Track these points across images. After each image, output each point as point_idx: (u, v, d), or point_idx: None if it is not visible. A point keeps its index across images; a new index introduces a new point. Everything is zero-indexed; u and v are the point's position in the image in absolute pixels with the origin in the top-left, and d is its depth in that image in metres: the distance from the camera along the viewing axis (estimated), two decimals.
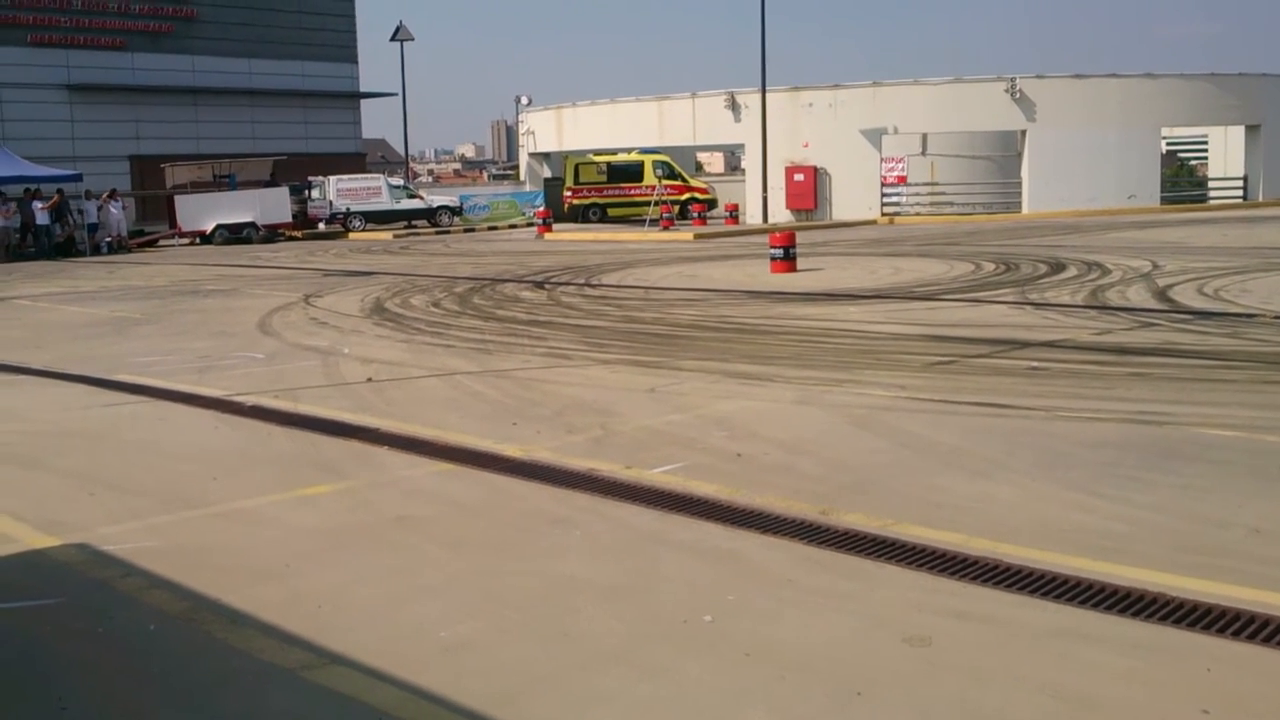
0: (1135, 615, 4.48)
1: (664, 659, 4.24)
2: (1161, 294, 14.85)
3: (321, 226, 38.37)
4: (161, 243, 35.77)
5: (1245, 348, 10.59)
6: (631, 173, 41.25)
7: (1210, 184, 42.95)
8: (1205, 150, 46.11)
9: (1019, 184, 37.93)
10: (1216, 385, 8.91)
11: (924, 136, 41.19)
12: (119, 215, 34.11)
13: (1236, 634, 4.26)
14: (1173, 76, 38.83)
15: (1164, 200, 38.94)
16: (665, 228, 34.08)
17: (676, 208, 37.63)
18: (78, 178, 33.56)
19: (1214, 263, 18.60)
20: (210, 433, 8.48)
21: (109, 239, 33.27)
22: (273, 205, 36.71)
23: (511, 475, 6.87)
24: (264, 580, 5.19)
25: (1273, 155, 39.51)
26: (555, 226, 35.66)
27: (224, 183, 37.44)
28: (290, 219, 37.41)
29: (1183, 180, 43.20)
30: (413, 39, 48.11)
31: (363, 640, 4.45)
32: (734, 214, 37.55)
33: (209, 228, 35.49)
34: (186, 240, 35.58)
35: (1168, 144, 43.46)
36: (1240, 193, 40.37)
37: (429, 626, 4.59)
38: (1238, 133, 41.49)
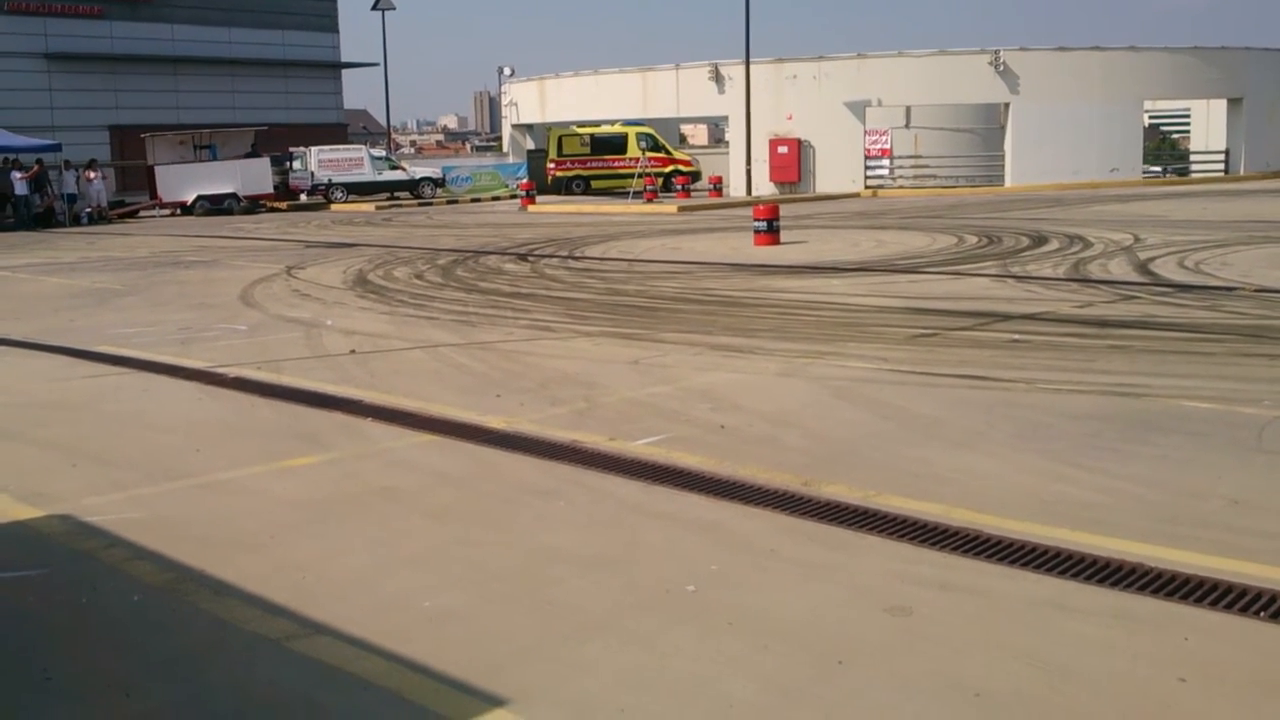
0: (1114, 585, 4.53)
1: (647, 629, 4.26)
2: (1142, 267, 14.92)
3: (303, 198, 38.15)
4: (142, 213, 35.51)
5: (1224, 320, 10.67)
6: (615, 145, 41.09)
7: (1192, 157, 43.05)
8: (1187, 124, 46.24)
9: (1002, 157, 37.95)
10: (1195, 358, 8.97)
11: (908, 109, 41.14)
12: (99, 186, 33.83)
13: (1213, 604, 4.31)
14: (1156, 49, 38.83)
15: (1146, 174, 39.05)
16: (649, 200, 34.00)
17: (660, 180, 37.53)
18: (57, 148, 33.23)
19: (1195, 236, 18.69)
20: (193, 404, 8.45)
21: (89, 209, 33.00)
22: (254, 176, 36.46)
23: (495, 447, 6.88)
24: (248, 551, 5.20)
25: (1254, 129, 39.62)
26: (539, 198, 35.54)
27: (204, 153, 37.13)
28: (272, 190, 37.17)
29: (1165, 154, 43.33)
30: (394, 8, 47.78)
31: (347, 611, 4.46)
32: (718, 186, 37.51)
33: (190, 199, 35.25)
34: (167, 211, 35.34)
35: (1150, 117, 43.52)
36: (1222, 166, 40.50)
37: (413, 597, 4.60)
38: (1220, 106, 41.58)
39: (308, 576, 4.86)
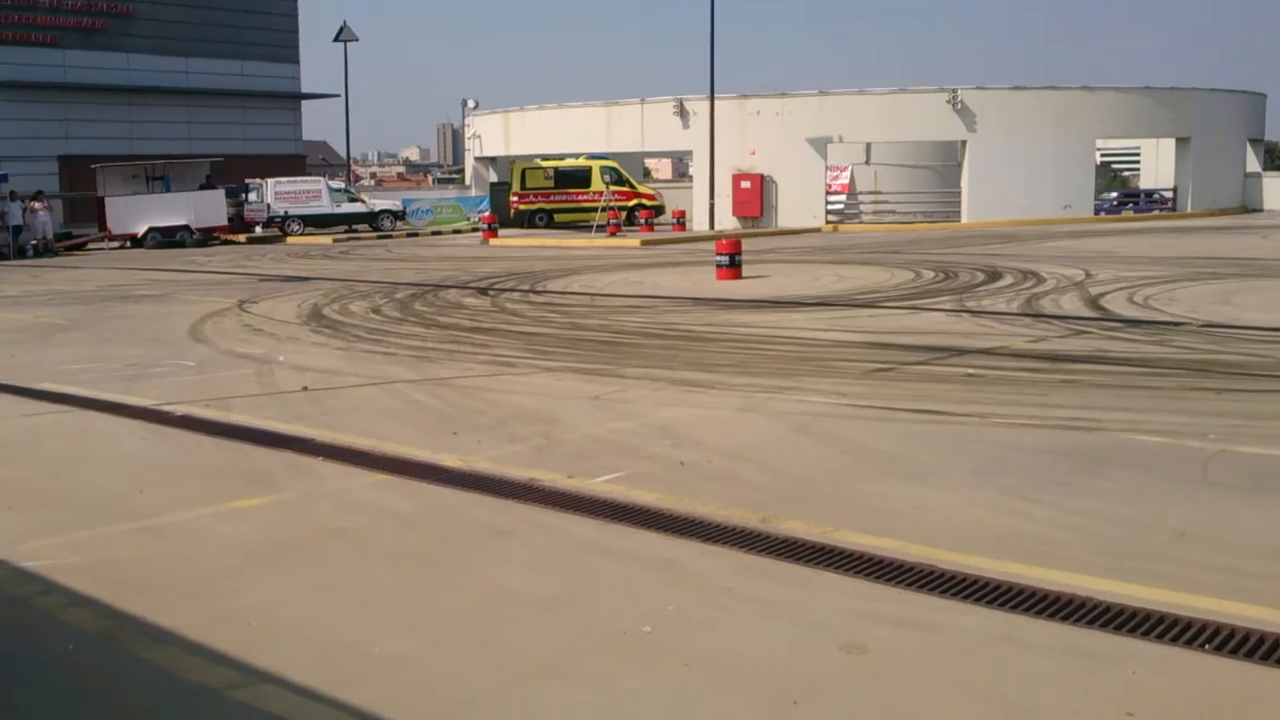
0: (1065, 619, 4.54)
1: (603, 671, 4.21)
2: (1094, 302, 15.13)
3: (259, 230, 37.84)
4: (90, 246, 35.01)
5: (1172, 355, 10.82)
6: (579, 178, 41.21)
7: (1142, 195, 43.85)
8: (1138, 161, 47.11)
9: (959, 193, 38.46)
10: (1145, 392, 9.09)
11: (868, 146, 41.66)
12: (45, 218, 33.31)
13: (1160, 637, 4.34)
14: (1108, 89, 39.64)
15: (1097, 210, 39.69)
16: (612, 234, 34.08)
17: (624, 214, 37.66)
18: (2, 178, 32.74)
19: (1144, 272, 19.00)
20: (138, 443, 8.30)
21: (34, 241, 32.49)
22: (208, 208, 36.13)
23: (451, 486, 6.81)
24: (191, 597, 5.07)
25: (1202, 167, 40.45)
26: (501, 232, 35.51)
27: (157, 185, 36.77)
28: (226, 222, 36.84)
29: (1116, 190, 44.14)
30: (356, 39, 47.77)
31: (294, 658, 4.36)
32: (681, 220, 37.69)
33: (141, 231, 34.84)
34: (117, 243, 34.88)
35: (1102, 155, 44.31)
36: (1170, 203, 41.27)
37: (363, 642, 4.52)
38: (1169, 145, 42.41)
39: (253, 623, 4.75)
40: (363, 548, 5.74)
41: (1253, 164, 44.35)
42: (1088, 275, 18.54)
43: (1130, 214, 40.84)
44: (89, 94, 45.30)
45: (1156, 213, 40.94)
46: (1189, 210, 39.99)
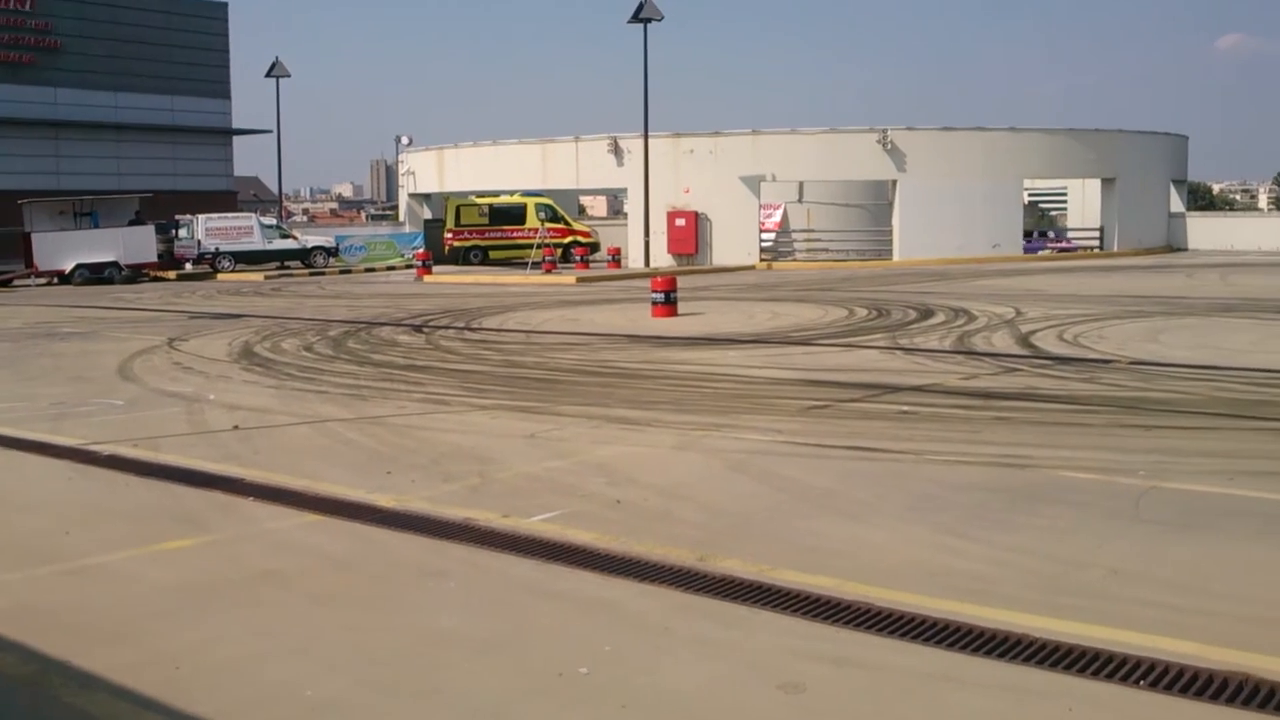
0: (1001, 657, 4.58)
1: (540, 714, 4.16)
2: (1024, 340, 15.42)
3: (189, 267, 37.28)
4: (16, 283, 34.20)
5: (1101, 392, 11.05)
6: (514, 215, 41.23)
7: (1069, 234, 44.94)
8: (1065, 201, 48.31)
9: (890, 232, 39.10)
10: (1076, 429, 9.26)
11: (800, 184, 42.23)
12: None
13: (1096, 674, 4.39)
14: (1033, 130, 40.68)
15: (1026, 249, 40.57)
16: (547, 271, 34.10)
17: (559, 250, 37.71)
18: None
19: (1073, 310, 19.43)
20: (63, 484, 8.07)
21: None
22: (137, 244, 35.54)
23: (384, 526, 6.71)
24: (119, 641, 4.93)
25: (1127, 206, 41.60)
26: (435, 269, 35.34)
27: (85, 221, 36.07)
28: (155, 259, 36.24)
29: (1045, 229, 45.19)
30: (289, 75, 47.45)
31: (223, 703, 4.25)
32: (616, 258, 37.82)
33: (68, 267, 34.16)
34: (44, 280, 34.15)
35: (1029, 195, 45.35)
36: (1097, 242, 42.35)
37: (294, 686, 4.42)
38: (1094, 185, 43.57)
39: (182, 667, 4.62)
40: (294, 589, 5.63)
41: (1176, 204, 45.72)
42: (1018, 313, 18.91)
43: (1055, 253, 41.76)
44: (15, 128, 44.38)
45: (1080, 251, 41.95)
46: (1115, 249, 41.04)
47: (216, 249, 37.42)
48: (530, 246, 36.37)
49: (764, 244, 39.32)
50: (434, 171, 45.81)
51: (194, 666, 4.63)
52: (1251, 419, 9.44)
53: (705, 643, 4.83)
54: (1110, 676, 4.36)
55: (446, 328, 18.72)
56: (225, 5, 51.45)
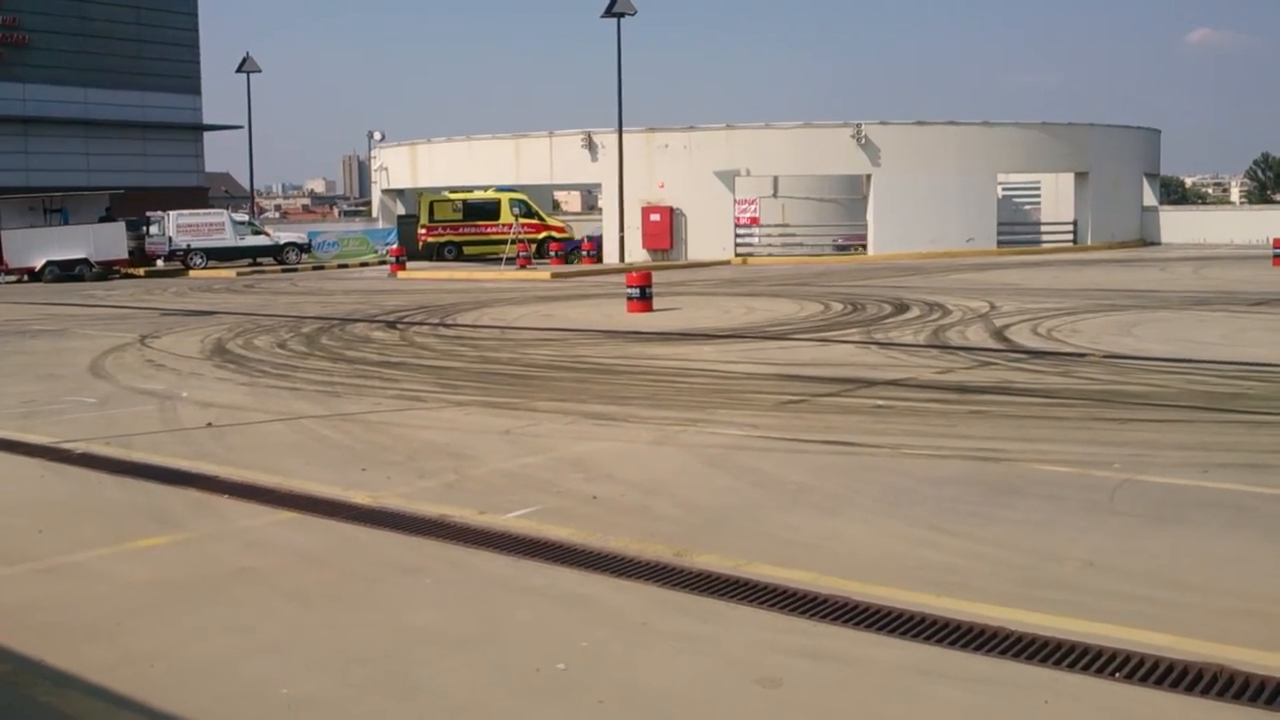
0: (977, 650, 4.60)
1: (516, 710, 4.14)
2: (999, 334, 15.50)
3: (160, 264, 36.98)
4: None
5: (1076, 386, 11.13)
6: (488, 210, 41.08)
7: (1043, 228, 45.20)
8: (1038, 195, 48.56)
9: (865, 226, 39.21)
10: (1050, 422, 9.31)
11: (775, 179, 42.27)
12: None
13: (1072, 666, 4.41)
14: (1007, 125, 40.88)
15: (1000, 243, 40.79)
16: (522, 266, 34.01)
17: (534, 246, 37.62)
18: None
19: (1047, 304, 19.55)
20: (35, 483, 7.99)
21: None
22: (108, 241, 35.25)
23: (359, 523, 6.67)
24: (93, 639, 4.89)
25: (1100, 201, 41.88)
26: (409, 265, 35.20)
27: (55, 217, 35.74)
28: (126, 255, 35.94)
29: (1018, 224, 45.39)
30: (260, 70, 47.10)
31: (199, 701, 4.22)
32: (591, 253, 37.75)
33: (38, 264, 33.84)
34: (13, 278, 33.82)
35: (1003, 189, 45.54)
36: (1070, 237, 42.62)
37: (270, 684, 4.38)
38: (1068, 179, 43.89)
39: (157, 665, 4.59)
40: (269, 587, 5.59)
41: (1149, 198, 46.06)
42: (992, 307, 19.01)
43: (1030, 247, 41.99)
44: None
45: (1054, 244, 42.22)
46: (1089, 243, 41.31)
47: (188, 245, 37.14)
48: (505, 242, 36.27)
49: (739, 239, 39.37)
50: (407, 167, 45.58)
51: (169, 664, 4.59)
52: (1225, 412, 9.52)
53: (682, 637, 4.82)
54: (1086, 669, 4.38)
55: (421, 324, 18.64)
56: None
